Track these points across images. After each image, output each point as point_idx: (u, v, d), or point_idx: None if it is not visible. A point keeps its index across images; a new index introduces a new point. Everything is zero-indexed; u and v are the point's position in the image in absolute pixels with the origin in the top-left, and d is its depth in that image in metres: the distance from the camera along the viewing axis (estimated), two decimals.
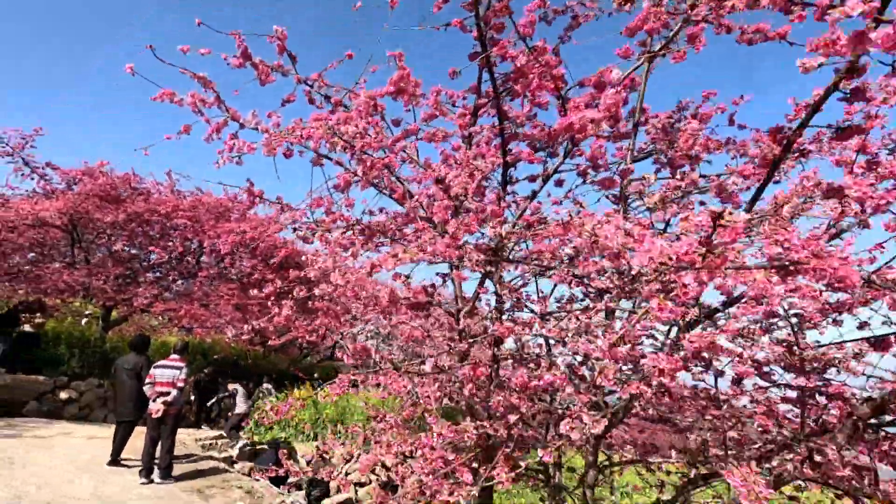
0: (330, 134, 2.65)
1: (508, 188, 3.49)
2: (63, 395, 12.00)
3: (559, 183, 3.47)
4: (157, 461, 7.56)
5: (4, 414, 10.77)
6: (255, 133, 3.57)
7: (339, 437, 12.93)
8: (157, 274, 14.17)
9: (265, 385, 14.54)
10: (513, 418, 2.52)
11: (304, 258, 3.55)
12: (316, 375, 18.33)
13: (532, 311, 4.34)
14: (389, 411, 3.54)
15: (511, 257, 2.76)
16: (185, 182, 25.29)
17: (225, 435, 12.80)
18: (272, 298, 3.43)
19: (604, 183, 2.82)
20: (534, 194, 3.03)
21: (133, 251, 13.90)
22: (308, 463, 11.06)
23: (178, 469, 8.17)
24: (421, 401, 2.63)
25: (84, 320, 15.96)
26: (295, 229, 3.50)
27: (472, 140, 3.38)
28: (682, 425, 3.38)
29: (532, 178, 3.59)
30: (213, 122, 3.60)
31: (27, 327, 12.01)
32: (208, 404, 14.49)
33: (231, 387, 12.99)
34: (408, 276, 3.30)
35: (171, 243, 13.62)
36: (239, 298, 15.19)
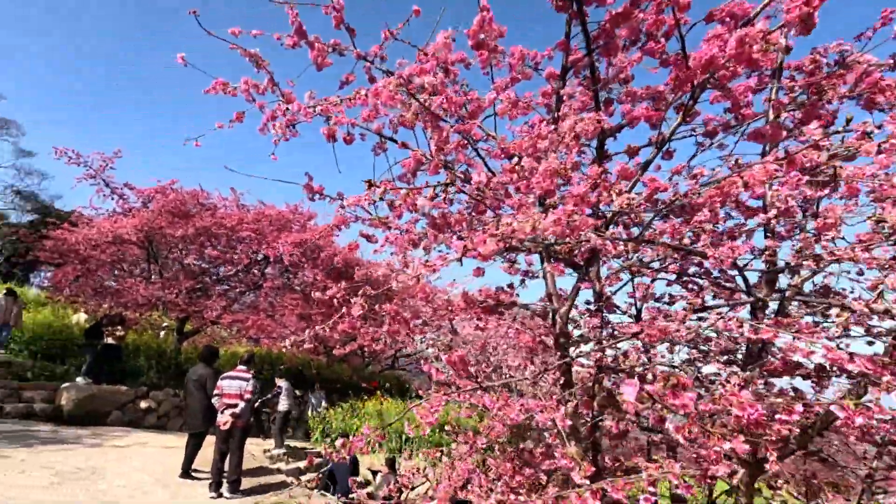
0: (401, 93, 2.19)
1: (604, 164, 2.90)
2: (143, 404, 12.37)
3: (669, 154, 2.83)
4: (225, 475, 7.42)
5: (91, 423, 11.19)
6: (310, 122, 3.19)
7: (406, 448, 12.54)
8: (226, 286, 14.46)
9: (316, 392, 14.38)
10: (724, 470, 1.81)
11: (361, 265, 3.09)
12: (388, 386, 18.13)
13: (624, 312, 3.67)
14: (470, 430, 3.01)
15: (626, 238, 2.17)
16: (249, 196, 26.20)
17: (276, 440, 12.70)
18: (338, 300, 3.00)
19: (759, 135, 2.11)
20: (646, 164, 2.43)
21: (203, 265, 14.27)
22: (374, 474, 10.73)
23: (246, 483, 8.01)
24: (537, 424, 2.09)
25: (161, 332, 16.61)
26: (358, 222, 3.07)
27: (561, 107, 2.82)
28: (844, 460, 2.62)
29: (631, 151, 2.97)
30: (268, 110, 3.25)
31: (110, 340, 12.51)
32: (255, 405, 14.57)
33: (279, 382, 12.83)
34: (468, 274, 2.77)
35: (236, 256, 13.85)
36: (302, 308, 15.25)
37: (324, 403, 14.23)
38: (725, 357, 2.80)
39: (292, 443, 13.03)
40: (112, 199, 14.27)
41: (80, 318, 14.47)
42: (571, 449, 2.10)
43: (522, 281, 4.08)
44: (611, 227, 2.28)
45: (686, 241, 2.12)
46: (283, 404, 12.57)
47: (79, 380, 11.67)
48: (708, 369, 3.66)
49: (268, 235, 13.30)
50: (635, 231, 2.69)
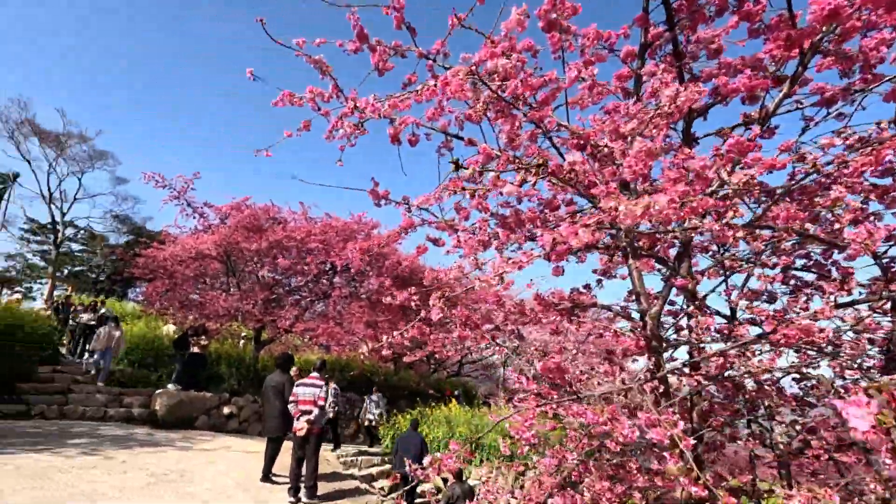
0: (470, 82, 2.05)
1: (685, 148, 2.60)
2: (226, 410, 13.02)
3: (770, 132, 2.49)
4: (303, 479, 7.56)
5: (181, 426, 11.91)
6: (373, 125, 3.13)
7: (477, 457, 12.33)
8: (297, 296, 14.98)
9: (373, 396, 14.48)
10: None
11: (427, 271, 2.97)
12: (457, 393, 18.04)
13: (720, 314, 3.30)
14: (556, 442, 2.78)
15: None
16: (316, 209, 27.17)
17: (368, 448, 12.88)
18: (407, 306, 2.89)
19: None
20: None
21: (276, 276, 14.87)
22: (444, 481, 10.61)
23: (322, 488, 8.14)
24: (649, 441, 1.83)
25: (240, 342, 17.47)
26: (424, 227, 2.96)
27: (641, 88, 2.57)
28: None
29: (723, 132, 2.65)
30: (333, 117, 3.23)
31: (195, 349, 13.29)
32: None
33: (375, 396, 13.37)
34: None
35: (306, 267, 14.32)
36: (368, 315, 15.51)
37: (380, 407, 14.32)
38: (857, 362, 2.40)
39: (361, 447, 13.21)
40: (194, 217, 15.22)
41: (169, 329, 15.51)
42: (674, 467, 1.83)
43: (599, 282, 3.81)
44: (706, 217, 2.00)
45: (807, 226, 1.81)
46: (371, 413, 12.95)
47: (170, 386, 12.46)
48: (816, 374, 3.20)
49: (335, 246, 13.65)
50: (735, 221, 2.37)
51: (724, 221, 1.62)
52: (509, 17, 2.21)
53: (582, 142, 2.21)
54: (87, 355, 13.22)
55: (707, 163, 1.40)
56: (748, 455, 3.72)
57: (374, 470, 11.02)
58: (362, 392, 16.07)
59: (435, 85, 2.37)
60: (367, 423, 14.27)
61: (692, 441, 1.70)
